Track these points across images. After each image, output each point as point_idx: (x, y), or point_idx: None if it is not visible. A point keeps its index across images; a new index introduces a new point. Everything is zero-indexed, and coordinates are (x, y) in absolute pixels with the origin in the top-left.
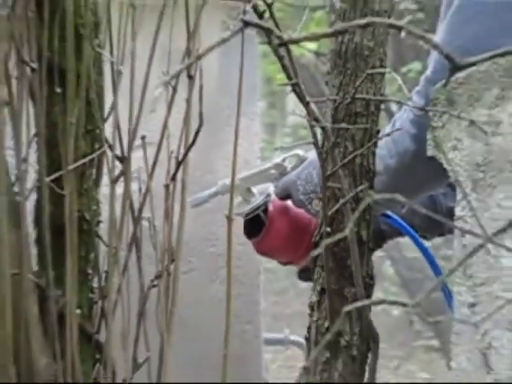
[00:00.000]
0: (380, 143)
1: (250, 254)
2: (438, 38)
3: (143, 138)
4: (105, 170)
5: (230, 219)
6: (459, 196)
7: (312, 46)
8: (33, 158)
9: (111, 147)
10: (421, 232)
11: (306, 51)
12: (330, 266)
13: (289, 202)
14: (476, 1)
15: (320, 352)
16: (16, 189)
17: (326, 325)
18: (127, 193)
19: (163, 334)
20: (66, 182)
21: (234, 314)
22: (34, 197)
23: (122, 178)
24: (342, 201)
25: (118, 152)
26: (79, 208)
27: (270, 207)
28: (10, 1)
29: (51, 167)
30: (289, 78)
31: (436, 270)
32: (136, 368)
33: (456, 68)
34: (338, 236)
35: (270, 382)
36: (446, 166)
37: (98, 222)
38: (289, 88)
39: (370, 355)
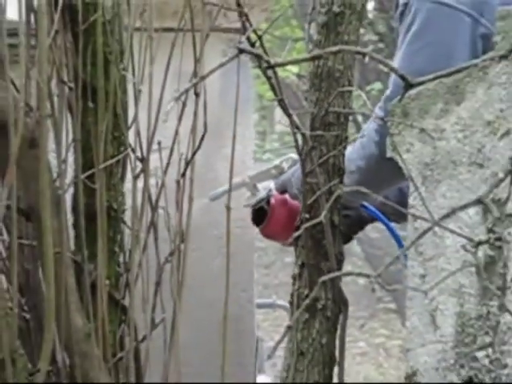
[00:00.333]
0: (352, 148)
1: (245, 236)
2: (395, 63)
3: (159, 143)
4: (128, 168)
5: (228, 208)
6: (412, 188)
7: (294, 69)
8: (70, 159)
9: (133, 150)
10: (393, 218)
11: (289, 73)
12: (308, 244)
13: (287, 195)
14: (424, 34)
15: (301, 314)
16: (57, 184)
17: (306, 292)
18: (146, 187)
19: (175, 299)
20: (97, 178)
21: (231, 283)
22: (71, 191)
23: (142, 175)
24: (318, 193)
25: (138, 154)
26: (108, 199)
27: (272, 200)
28: (52, 33)
29: (85, 166)
30: (275, 94)
31: (400, 244)
32: (154, 327)
33: (409, 86)
34: (315, 221)
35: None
36: (401, 165)
37: (123, 211)
38: (276, 103)
39: (341, 316)
